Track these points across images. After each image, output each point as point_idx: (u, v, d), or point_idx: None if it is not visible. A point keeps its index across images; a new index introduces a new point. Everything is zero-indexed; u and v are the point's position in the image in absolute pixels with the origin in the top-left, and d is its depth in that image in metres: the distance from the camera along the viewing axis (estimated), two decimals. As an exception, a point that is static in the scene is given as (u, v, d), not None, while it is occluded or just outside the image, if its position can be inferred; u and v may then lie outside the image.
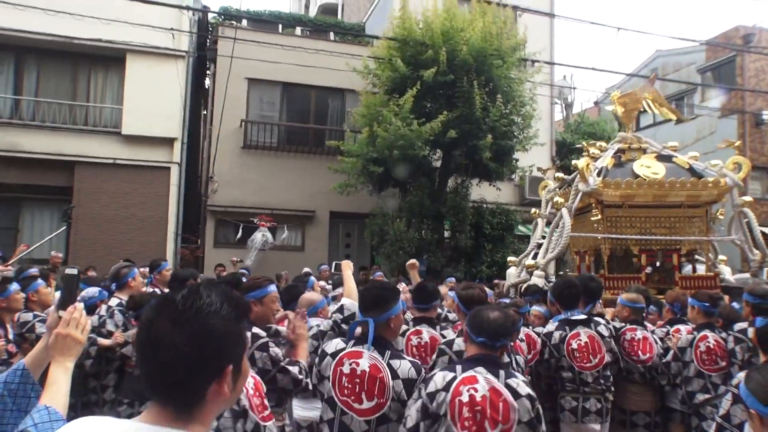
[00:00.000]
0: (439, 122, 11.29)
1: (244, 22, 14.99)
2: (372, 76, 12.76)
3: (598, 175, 7.00)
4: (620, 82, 21.18)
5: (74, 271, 1.98)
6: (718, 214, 7.41)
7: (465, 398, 2.40)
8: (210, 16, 15.34)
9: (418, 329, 4.00)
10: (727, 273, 7.40)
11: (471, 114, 11.70)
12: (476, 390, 2.41)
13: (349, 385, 2.73)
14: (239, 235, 13.18)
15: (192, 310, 1.15)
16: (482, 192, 13.57)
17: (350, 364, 2.76)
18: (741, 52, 17.07)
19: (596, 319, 4.33)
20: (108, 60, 12.99)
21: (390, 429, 2.68)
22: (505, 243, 13.14)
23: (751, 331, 4.05)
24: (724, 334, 4.22)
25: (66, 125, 12.74)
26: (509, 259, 8.25)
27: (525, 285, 6.47)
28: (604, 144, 8.03)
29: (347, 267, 4.28)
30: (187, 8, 12.76)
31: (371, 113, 11.93)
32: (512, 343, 3.59)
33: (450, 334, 3.83)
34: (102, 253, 11.82)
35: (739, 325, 4.24)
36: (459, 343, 3.43)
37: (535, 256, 7.64)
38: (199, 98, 16.19)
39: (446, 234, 12.95)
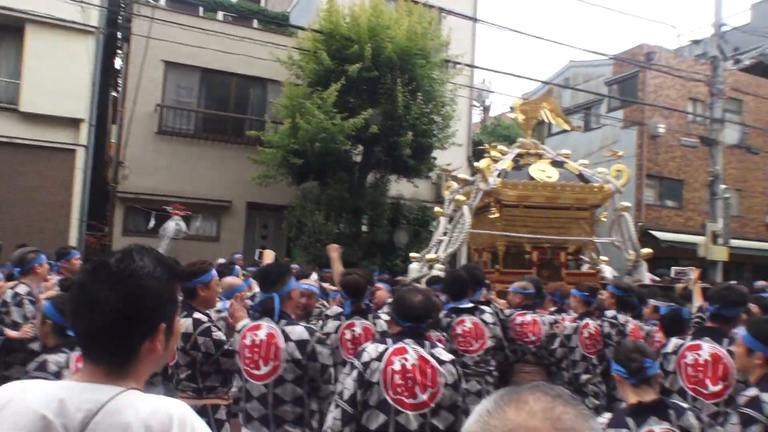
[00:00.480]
0: (362, 118, 11.37)
1: (162, 2, 14.35)
2: (296, 67, 12.64)
3: (498, 176, 7.45)
4: (536, 89, 22.19)
5: None
6: (601, 217, 8.17)
7: (397, 367, 2.61)
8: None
9: (351, 322, 4.11)
10: (606, 271, 8.12)
11: (393, 111, 11.88)
12: (407, 359, 2.63)
13: (249, 355, 3.05)
14: (152, 223, 12.65)
15: (126, 272, 1.20)
16: (400, 188, 13.82)
17: (251, 337, 3.08)
18: (643, 69, 18.33)
19: (482, 307, 4.61)
20: (3, 29, 12.03)
21: (286, 389, 3.00)
22: (421, 238, 13.44)
23: (621, 318, 4.75)
24: (599, 321, 4.74)
25: (-46, 98, 11.71)
26: (411, 255, 8.54)
27: (427, 277, 6.73)
28: (505, 148, 8.52)
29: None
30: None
31: (294, 105, 11.82)
32: None
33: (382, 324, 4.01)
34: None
35: (609, 313, 4.84)
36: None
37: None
38: (108, 79, 15.34)
39: (364, 228, 13.09)
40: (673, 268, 11.09)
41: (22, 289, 4.21)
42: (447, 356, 2.74)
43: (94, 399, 1.13)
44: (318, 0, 13.84)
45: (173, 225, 12.36)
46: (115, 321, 1.18)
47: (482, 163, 7.38)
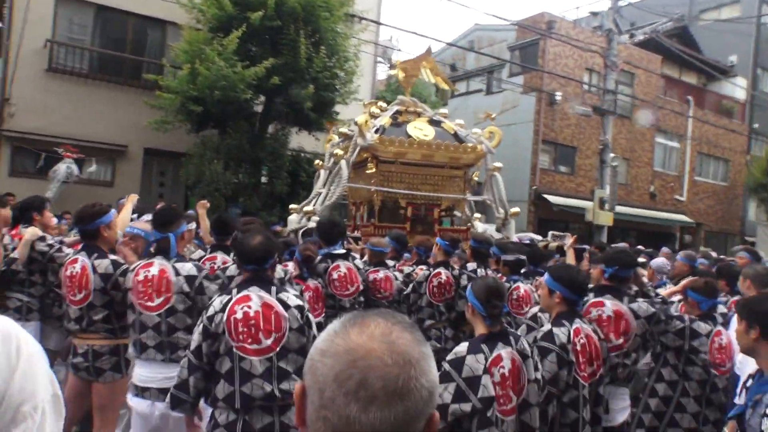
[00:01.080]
0: (263, 67, 11.40)
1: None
2: (196, 11, 12.38)
3: (376, 132, 7.73)
4: (441, 50, 22.74)
5: None
6: (473, 176, 8.75)
7: (239, 315, 2.73)
8: None
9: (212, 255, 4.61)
10: (479, 227, 8.66)
11: (295, 63, 11.97)
12: (249, 307, 2.75)
13: (143, 289, 3.34)
14: (40, 164, 12.25)
15: None
16: (301, 141, 14.01)
17: (144, 273, 3.36)
18: (543, 37, 19.23)
19: (352, 254, 5.00)
20: None
21: (177, 318, 3.31)
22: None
23: (480, 271, 5.06)
24: (457, 272, 5.07)
25: None
26: (291, 206, 8.66)
27: (303, 229, 7.09)
28: (384, 104, 8.80)
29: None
30: None
31: (194, 50, 11.65)
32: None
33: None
34: None
35: (470, 265, 5.21)
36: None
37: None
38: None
39: (263, 179, 13.27)
40: (551, 232, 12.03)
41: None
42: (294, 301, 2.87)
43: None
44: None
45: (64, 168, 12.03)
46: None
47: (360, 119, 7.58)
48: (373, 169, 7.78)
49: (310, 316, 2.92)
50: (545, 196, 18.96)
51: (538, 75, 19.75)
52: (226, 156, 12.38)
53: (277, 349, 2.73)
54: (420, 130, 8.08)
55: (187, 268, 3.39)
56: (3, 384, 1.16)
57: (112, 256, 3.54)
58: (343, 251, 4.89)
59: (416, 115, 8.48)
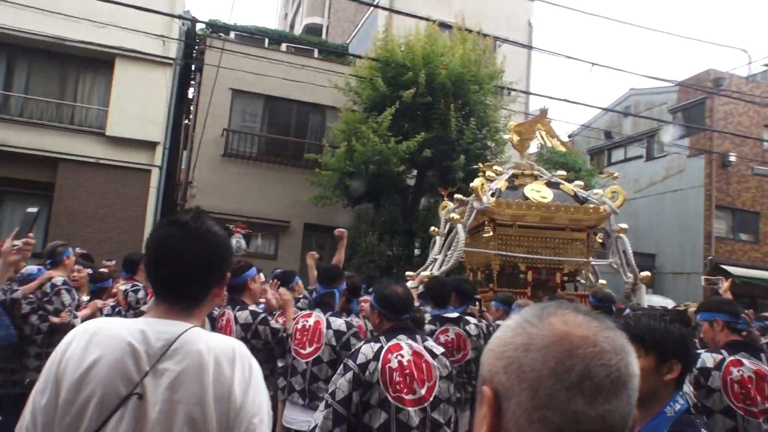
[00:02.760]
0: (415, 141, 11.74)
1: (232, 35, 15.45)
2: (353, 93, 13.23)
3: (492, 195, 7.44)
4: (595, 117, 21.95)
5: (35, 210, 2.33)
6: (597, 238, 7.99)
7: (394, 365, 2.64)
8: (198, 26, 15.79)
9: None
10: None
11: (446, 135, 12.20)
12: (402, 356, 2.69)
13: (300, 337, 3.66)
14: (215, 240, 13.42)
15: (203, 229, 1.45)
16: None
17: (303, 322, 3.71)
18: (711, 95, 17.84)
19: (467, 318, 4.67)
20: (97, 62, 13.34)
21: (321, 368, 3.56)
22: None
23: None
24: None
25: (52, 123, 13.03)
26: (407, 273, 8.44)
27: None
28: (499, 168, 8.52)
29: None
30: (179, 17, 13.18)
31: (350, 129, 12.38)
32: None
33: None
34: (79, 247, 12.01)
35: None
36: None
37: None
38: (181, 106, 16.56)
39: (416, 251, 13.32)
40: (703, 277, 10.65)
41: (58, 280, 4.62)
42: (439, 349, 2.86)
43: (170, 331, 1.35)
44: (375, 30, 14.51)
45: (234, 242, 13.07)
46: (197, 269, 1.42)
47: (476, 182, 7.41)
48: (490, 233, 7.48)
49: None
50: (724, 267, 16.91)
51: (706, 136, 18.21)
52: (380, 228, 12.69)
53: (431, 399, 2.69)
54: (537, 192, 7.71)
55: (338, 323, 3.66)
56: (241, 396, 1.33)
57: (252, 307, 3.72)
58: (455, 315, 4.59)
59: (533, 178, 8.12)
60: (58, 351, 1.38)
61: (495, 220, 7.49)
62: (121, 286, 5.27)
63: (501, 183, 7.87)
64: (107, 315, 4.67)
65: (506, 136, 9.99)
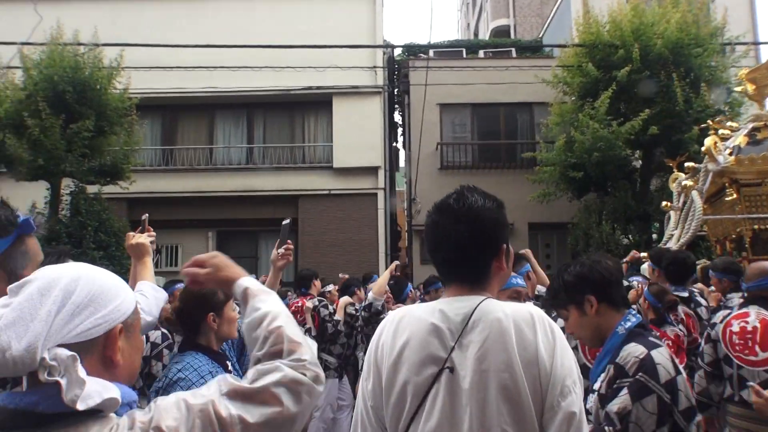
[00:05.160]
0: (639, 120, 11.09)
1: (431, 53, 16.08)
2: (562, 84, 12.91)
3: (730, 154, 6.50)
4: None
5: (288, 221, 2.66)
6: None
7: (736, 329, 3.12)
8: (396, 52, 16.69)
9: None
10: None
11: (672, 108, 11.33)
12: (747, 322, 3.10)
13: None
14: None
15: (465, 208, 1.47)
16: (692, 188, 12.86)
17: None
18: None
19: (698, 299, 4.24)
20: (318, 104, 14.77)
21: None
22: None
23: None
24: None
25: (288, 165, 14.69)
26: (642, 255, 7.79)
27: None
28: (734, 124, 7.41)
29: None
30: (384, 47, 14.12)
31: (565, 120, 12.08)
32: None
33: None
34: (326, 272, 13.27)
35: None
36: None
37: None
38: (390, 131, 17.57)
39: (654, 236, 12.48)
40: None
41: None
42: None
43: (466, 305, 1.41)
44: (570, 18, 14.06)
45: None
46: (466, 248, 1.45)
47: (708, 142, 6.59)
48: (734, 196, 6.53)
49: None
50: None
51: None
52: (611, 217, 12.13)
53: None
54: None
55: None
56: (549, 359, 1.32)
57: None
58: (685, 294, 4.11)
59: None
60: (373, 340, 1.51)
61: (738, 181, 6.62)
62: (308, 303, 5.51)
63: (739, 139, 6.92)
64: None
65: (738, 89, 8.86)
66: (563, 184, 12.32)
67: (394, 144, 18.65)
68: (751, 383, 2.67)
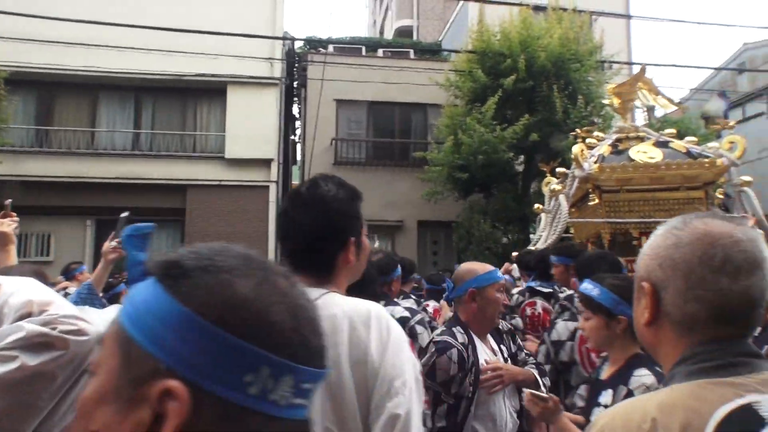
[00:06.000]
0: (521, 125, 11.71)
1: (330, 48, 16.07)
2: (453, 88, 13.36)
3: (595, 162, 7.02)
4: (706, 79, 20.70)
5: (126, 214, 2.63)
6: (717, 194, 7.33)
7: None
8: (296, 45, 16.53)
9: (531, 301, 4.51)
10: None
11: (552, 117, 12.06)
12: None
13: None
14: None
15: (317, 196, 1.44)
16: (567, 193, 13.73)
17: None
18: (836, 38, 16.35)
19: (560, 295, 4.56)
20: (212, 92, 14.34)
21: None
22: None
23: None
24: None
25: (177, 153, 14.14)
26: (513, 254, 8.16)
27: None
28: (601, 134, 8.05)
29: None
30: (282, 39, 13.92)
31: (454, 123, 12.53)
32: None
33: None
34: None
35: None
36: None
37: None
38: (287, 122, 17.38)
39: (532, 236, 13.20)
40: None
41: (72, 290, 5.40)
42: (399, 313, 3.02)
43: None
44: (467, 24, 14.57)
45: (354, 246, 13.58)
46: (312, 239, 1.42)
47: (575, 149, 7.00)
48: (596, 201, 7.06)
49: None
50: None
51: (837, 84, 16.70)
52: (493, 217, 12.72)
53: None
54: (644, 153, 7.17)
55: None
56: (378, 357, 1.28)
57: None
58: (548, 290, 4.51)
59: (639, 140, 7.58)
60: None
61: (600, 187, 7.05)
62: None
63: (604, 149, 7.37)
64: None
65: (605, 101, 9.58)
66: (450, 184, 12.75)
67: (293, 137, 18.46)
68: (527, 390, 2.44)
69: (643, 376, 1.96)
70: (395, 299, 3.76)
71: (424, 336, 2.94)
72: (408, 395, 1.26)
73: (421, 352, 2.71)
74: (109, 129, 14.21)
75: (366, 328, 1.30)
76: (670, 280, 0.97)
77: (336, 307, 1.33)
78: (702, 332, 0.94)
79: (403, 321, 2.79)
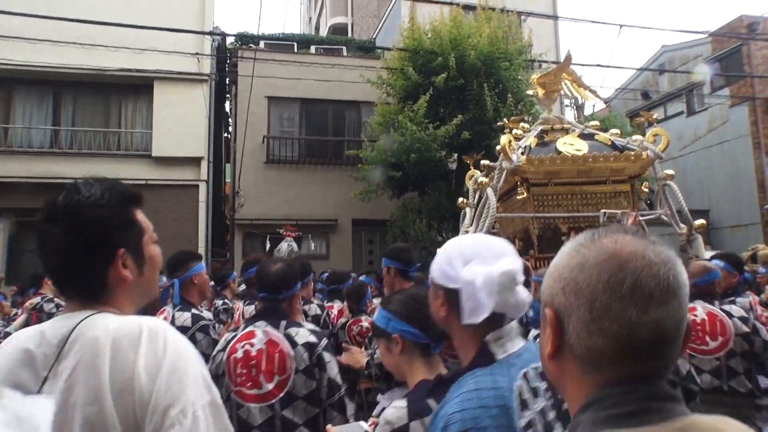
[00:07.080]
0: (453, 125, 11.79)
1: (261, 44, 15.74)
2: (386, 86, 13.34)
3: (522, 153, 6.82)
4: (629, 79, 21.54)
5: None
6: (642, 187, 7.44)
7: (239, 355, 2.39)
8: (228, 41, 16.11)
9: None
10: None
11: (483, 115, 12.20)
12: (252, 345, 2.40)
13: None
14: (267, 246, 13.74)
15: (71, 206, 1.19)
16: (499, 191, 13.97)
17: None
18: (747, 41, 17.31)
19: None
20: (137, 88, 13.78)
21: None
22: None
23: None
24: None
25: (100, 151, 13.52)
26: (438, 250, 8.04)
27: None
28: (527, 125, 7.89)
29: None
30: (211, 33, 13.51)
31: (387, 121, 12.51)
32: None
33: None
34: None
35: None
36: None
37: None
38: (220, 121, 16.94)
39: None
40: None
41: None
42: (303, 338, 2.43)
43: (69, 324, 1.14)
44: (400, 22, 14.58)
45: (286, 246, 13.28)
46: (67, 255, 1.17)
47: (503, 140, 6.76)
48: (524, 195, 6.87)
49: (325, 355, 2.44)
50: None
51: (748, 83, 17.68)
52: (427, 216, 12.77)
53: (280, 395, 2.34)
54: (571, 145, 7.11)
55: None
56: (148, 382, 1.06)
57: (195, 310, 3.34)
58: None
59: (564, 131, 7.55)
60: None
61: (528, 180, 6.84)
62: (33, 300, 5.40)
63: (530, 140, 7.17)
64: None
65: (530, 92, 9.60)
66: (384, 182, 12.72)
67: (226, 135, 18.02)
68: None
69: (396, 408, 1.60)
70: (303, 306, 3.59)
71: (333, 364, 2.49)
72: (189, 425, 1.04)
73: (331, 385, 2.41)
74: (25, 125, 13.43)
75: (134, 350, 1.08)
76: (573, 308, 0.83)
77: (99, 330, 1.11)
78: (608, 371, 0.81)
79: (310, 347, 2.41)
